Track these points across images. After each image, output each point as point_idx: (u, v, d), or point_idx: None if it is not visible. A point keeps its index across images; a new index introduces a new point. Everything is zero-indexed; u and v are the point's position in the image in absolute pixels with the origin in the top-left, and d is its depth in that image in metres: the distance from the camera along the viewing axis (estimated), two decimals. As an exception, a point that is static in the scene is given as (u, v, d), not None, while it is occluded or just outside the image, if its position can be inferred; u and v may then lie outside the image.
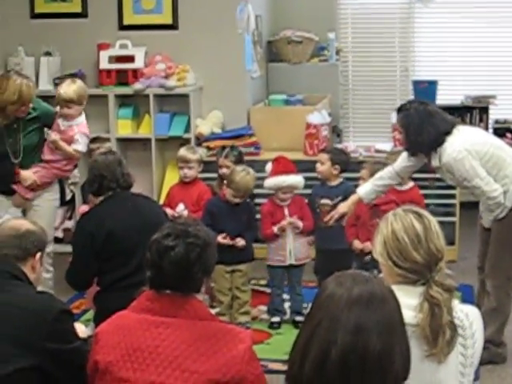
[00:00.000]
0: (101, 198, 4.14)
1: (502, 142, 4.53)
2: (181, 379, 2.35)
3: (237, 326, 2.81)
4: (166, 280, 2.52)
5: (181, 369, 2.37)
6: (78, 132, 4.98)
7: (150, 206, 4.22)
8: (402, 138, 4.52)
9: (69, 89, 4.99)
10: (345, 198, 4.94)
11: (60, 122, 4.94)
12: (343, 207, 4.73)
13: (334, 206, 5.02)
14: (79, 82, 5.26)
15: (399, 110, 4.53)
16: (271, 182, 5.00)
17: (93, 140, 5.36)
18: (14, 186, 4.89)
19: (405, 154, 4.56)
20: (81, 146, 5.02)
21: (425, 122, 4.34)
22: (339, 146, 6.39)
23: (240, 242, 4.74)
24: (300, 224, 4.93)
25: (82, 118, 5.05)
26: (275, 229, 4.92)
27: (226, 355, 2.37)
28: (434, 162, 4.40)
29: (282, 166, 4.96)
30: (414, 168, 4.63)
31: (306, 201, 5.16)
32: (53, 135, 4.92)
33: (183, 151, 5.28)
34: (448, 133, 4.34)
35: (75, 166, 5.31)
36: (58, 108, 4.97)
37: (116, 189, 4.10)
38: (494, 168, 4.28)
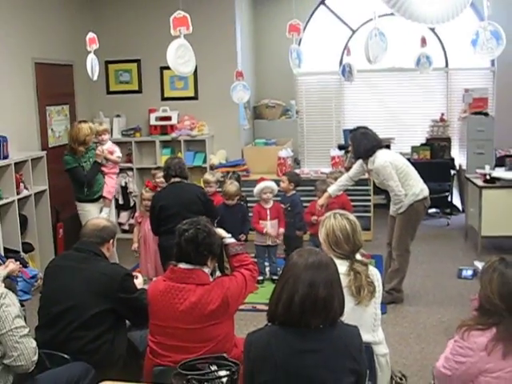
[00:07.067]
0: (165, 184, 4.83)
1: (409, 163, 4.95)
2: (194, 318, 2.60)
3: (222, 278, 2.85)
4: (182, 254, 2.68)
5: (193, 315, 2.60)
6: (112, 146, 5.81)
7: (189, 191, 4.71)
8: (351, 149, 4.97)
9: (99, 125, 5.78)
10: (291, 205, 5.63)
11: (99, 147, 5.64)
12: (321, 200, 5.13)
13: (286, 209, 5.68)
14: (99, 120, 6.16)
15: (350, 132, 4.97)
16: (257, 187, 5.65)
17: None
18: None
19: (356, 164, 4.97)
20: (117, 153, 5.84)
21: (362, 139, 4.79)
22: (297, 170, 7.04)
23: (243, 237, 5.51)
24: (273, 233, 5.55)
25: (110, 143, 5.88)
26: (262, 225, 5.57)
27: (222, 295, 2.65)
28: (370, 166, 4.79)
29: (262, 179, 5.75)
30: (362, 173, 5.08)
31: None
32: (99, 149, 5.58)
33: (206, 175, 5.94)
34: (377, 147, 4.76)
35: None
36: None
37: (175, 176, 4.69)
38: (402, 178, 4.76)
